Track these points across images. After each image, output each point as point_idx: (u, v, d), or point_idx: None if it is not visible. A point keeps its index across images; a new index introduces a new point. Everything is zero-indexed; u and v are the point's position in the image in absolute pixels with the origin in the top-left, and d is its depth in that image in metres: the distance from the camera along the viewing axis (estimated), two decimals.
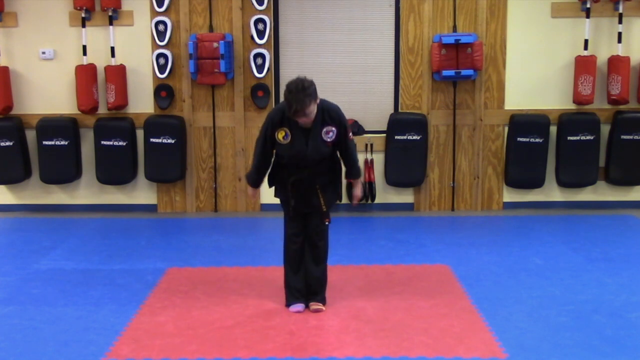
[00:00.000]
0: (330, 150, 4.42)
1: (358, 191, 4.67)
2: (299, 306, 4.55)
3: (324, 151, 4.38)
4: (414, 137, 7.01)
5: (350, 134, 4.47)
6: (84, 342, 4.13)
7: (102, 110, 7.17)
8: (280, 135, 4.35)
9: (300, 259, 4.58)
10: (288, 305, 4.59)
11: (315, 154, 4.36)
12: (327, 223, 4.52)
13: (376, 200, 7.19)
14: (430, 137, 7.15)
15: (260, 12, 6.99)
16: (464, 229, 6.66)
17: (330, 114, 4.36)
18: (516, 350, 3.96)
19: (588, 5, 6.85)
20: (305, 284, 4.60)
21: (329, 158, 4.46)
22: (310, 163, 4.38)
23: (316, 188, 4.44)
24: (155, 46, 7.06)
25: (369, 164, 7.14)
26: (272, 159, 4.54)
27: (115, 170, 7.15)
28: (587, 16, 6.88)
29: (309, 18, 7.15)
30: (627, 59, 6.89)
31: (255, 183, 4.62)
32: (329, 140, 4.36)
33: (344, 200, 7.13)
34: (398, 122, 7.04)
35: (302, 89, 4.14)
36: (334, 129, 4.35)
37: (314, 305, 4.57)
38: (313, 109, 4.21)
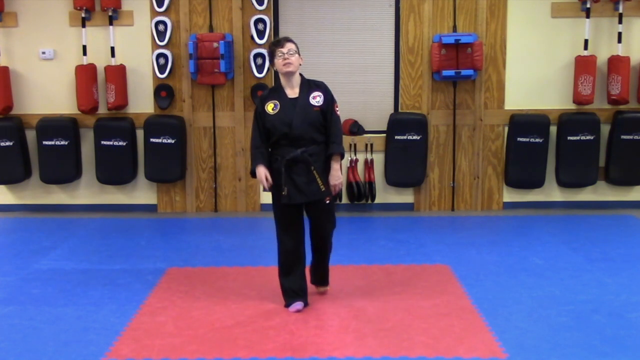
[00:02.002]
0: (318, 119, 4.44)
1: (336, 177, 4.51)
2: (299, 304, 4.55)
3: (312, 117, 4.43)
4: (414, 137, 7.01)
5: (337, 109, 4.55)
6: (84, 342, 4.13)
7: (102, 110, 7.18)
8: (269, 107, 4.47)
9: (293, 261, 4.57)
10: (287, 305, 4.60)
11: (304, 118, 4.41)
12: (327, 202, 4.51)
13: (376, 200, 7.20)
14: (430, 137, 7.16)
15: (260, 12, 6.99)
16: (464, 229, 6.66)
17: (316, 82, 4.59)
18: (516, 350, 3.96)
19: (588, 5, 6.85)
20: (313, 275, 4.81)
21: (321, 134, 4.46)
22: (298, 131, 4.40)
23: (312, 170, 4.43)
24: (155, 46, 7.06)
25: (369, 164, 7.14)
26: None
27: (115, 170, 7.15)
28: (587, 16, 6.88)
29: (309, 18, 7.15)
30: (627, 59, 6.89)
31: (257, 159, 4.51)
32: (316, 104, 4.46)
33: (344, 200, 7.17)
34: (398, 122, 7.04)
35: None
36: (320, 94, 4.50)
37: (321, 289, 4.84)
38: (294, 52, 4.45)
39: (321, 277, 4.83)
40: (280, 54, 4.44)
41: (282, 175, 4.42)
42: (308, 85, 4.53)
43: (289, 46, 4.46)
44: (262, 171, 4.47)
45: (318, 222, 4.61)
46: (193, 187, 7.30)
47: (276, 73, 7.01)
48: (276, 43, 4.50)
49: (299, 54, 4.51)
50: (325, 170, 4.51)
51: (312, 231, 4.65)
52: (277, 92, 4.54)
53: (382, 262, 5.57)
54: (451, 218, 7.05)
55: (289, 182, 4.43)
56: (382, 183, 7.22)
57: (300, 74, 4.57)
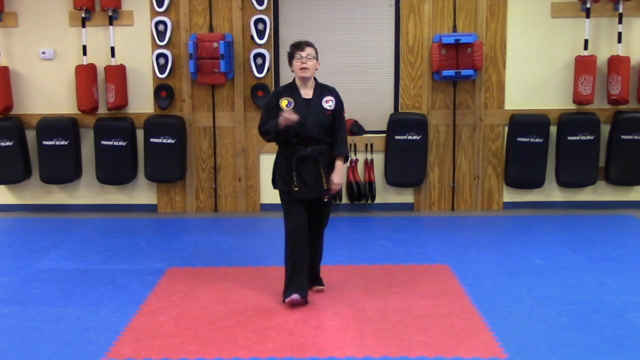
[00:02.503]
0: (329, 121, 4.60)
1: (337, 176, 4.64)
2: (296, 296, 4.57)
3: (324, 119, 4.59)
4: (414, 137, 7.01)
5: (345, 115, 4.72)
6: (84, 342, 4.13)
7: (102, 110, 7.18)
8: (284, 104, 4.59)
9: (302, 256, 4.60)
10: (285, 298, 4.60)
11: (316, 119, 4.55)
12: (325, 200, 4.63)
13: (376, 200, 7.19)
14: (430, 137, 7.16)
15: (260, 12, 6.99)
16: (464, 229, 6.66)
17: (328, 87, 4.75)
18: (516, 350, 3.96)
19: (588, 5, 6.85)
20: (309, 273, 4.74)
21: (328, 136, 4.61)
22: (311, 131, 4.54)
23: (320, 168, 4.56)
24: (155, 46, 7.06)
25: (369, 164, 7.14)
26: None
27: (115, 170, 7.15)
28: (587, 16, 6.88)
29: (309, 18, 7.15)
30: (627, 59, 6.89)
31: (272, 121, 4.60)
32: (329, 108, 4.61)
33: (344, 200, 7.17)
34: (398, 122, 7.04)
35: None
36: (332, 98, 4.66)
37: (316, 288, 4.83)
38: (313, 57, 4.58)
39: (316, 276, 4.87)
40: (298, 57, 4.57)
41: (293, 171, 4.53)
42: (321, 89, 4.68)
43: (308, 50, 4.58)
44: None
45: (317, 218, 4.71)
46: (193, 187, 7.30)
47: (277, 74, 7.12)
48: (297, 45, 4.61)
49: (317, 59, 4.62)
50: (330, 170, 4.64)
51: (307, 226, 4.69)
52: (292, 90, 4.66)
53: (382, 262, 5.57)
54: (451, 218, 7.05)
55: (298, 178, 4.55)
56: (382, 183, 7.22)
57: (314, 78, 4.67)
